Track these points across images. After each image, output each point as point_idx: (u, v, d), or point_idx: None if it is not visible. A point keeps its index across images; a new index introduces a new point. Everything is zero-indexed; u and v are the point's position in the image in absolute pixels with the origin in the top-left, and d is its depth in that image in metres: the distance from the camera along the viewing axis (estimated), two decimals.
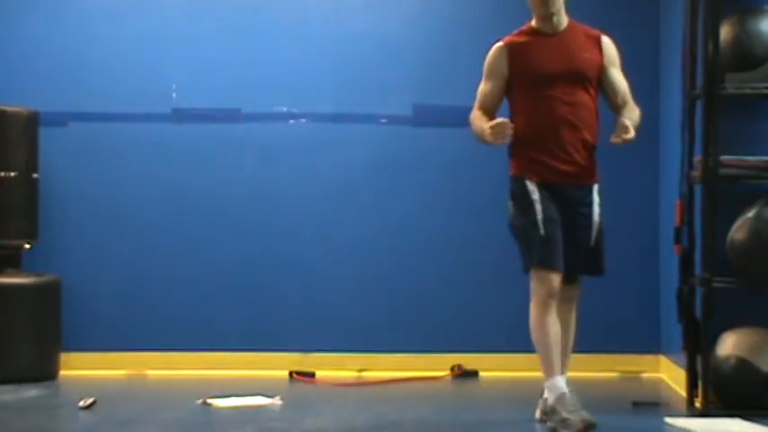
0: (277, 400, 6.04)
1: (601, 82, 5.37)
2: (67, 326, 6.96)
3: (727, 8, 5.74)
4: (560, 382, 5.21)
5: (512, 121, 5.26)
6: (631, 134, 5.15)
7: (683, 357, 5.97)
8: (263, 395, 6.13)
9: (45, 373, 6.74)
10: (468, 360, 7.03)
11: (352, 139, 7.20)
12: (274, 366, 7.03)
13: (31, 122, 6.85)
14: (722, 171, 5.66)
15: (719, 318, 5.66)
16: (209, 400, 6.00)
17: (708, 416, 5.54)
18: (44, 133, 6.95)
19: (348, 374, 7.02)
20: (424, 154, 7.19)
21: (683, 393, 5.96)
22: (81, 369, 7.00)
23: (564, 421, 5.11)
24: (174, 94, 7.20)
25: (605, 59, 5.37)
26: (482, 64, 5.45)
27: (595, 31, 5.42)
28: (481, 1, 7.19)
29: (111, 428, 5.41)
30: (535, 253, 5.22)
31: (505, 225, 5.39)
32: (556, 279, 5.22)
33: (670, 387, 6.61)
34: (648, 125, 6.98)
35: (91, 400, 5.83)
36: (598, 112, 5.36)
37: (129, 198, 7.20)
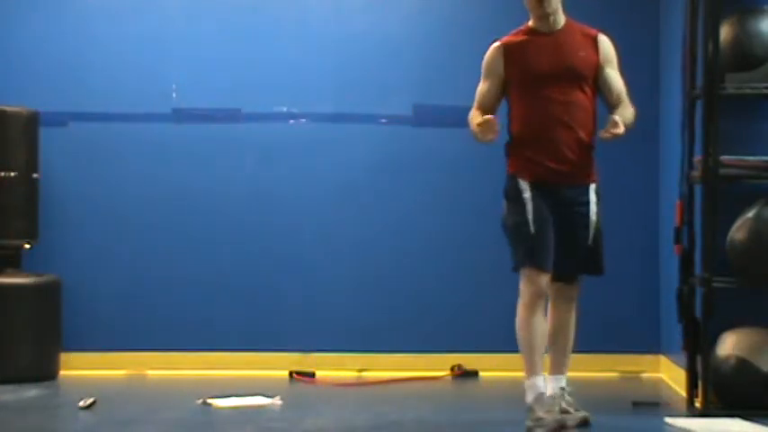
0: (277, 400, 6.04)
1: (597, 81, 5.37)
2: (67, 326, 6.96)
3: (727, 8, 5.74)
4: (540, 382, 5.23)
5: (509, 121, 5.31)
6: (620, 129, 5.15)
7: (683, 357, 5.97)
8: (263, 395, 6.13)
9: (45, 373, 6.74)
10: (468, 360, 7.03)
11: (352, 139, 7.20)
12: (274, 366, 7.03)
13: (31, 122, 6.85)
14: (722, 171, 5.66)
15: (719, 318, 5.66)
16: (209, 400, 6.00)
17: (708, 416, 5.54)
18: (44, 133, 6.95)
19: (348, 374, 7.02)
20: (424, 154, 7.19)
21: (683, 393, 5.96)
22: (81, 369, 7.00)
23: (539, 420, 5.14)
24: (174, 94, 7.21)
25: (601, 58, 5.37)
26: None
27: (593, 30, 5.42)
28: (481, 1, 7.20)
29: (111, 428, 5.41)
30: (524, 252, 5.24)
31: None
32: (544, 279, 5.24)
33: (670, 387, 6.61)
34: (648, 125, 7.01)
35: (91, 400, 5.83)
36: (595, 112, 5.35)
37: (129, 198, 7.20)
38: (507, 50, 5.37)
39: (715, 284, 5.63)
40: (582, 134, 5.29)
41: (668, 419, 5.51)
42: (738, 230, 5.67)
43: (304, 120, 7.23)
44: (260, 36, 7.24)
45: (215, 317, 7.17)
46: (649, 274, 7.11)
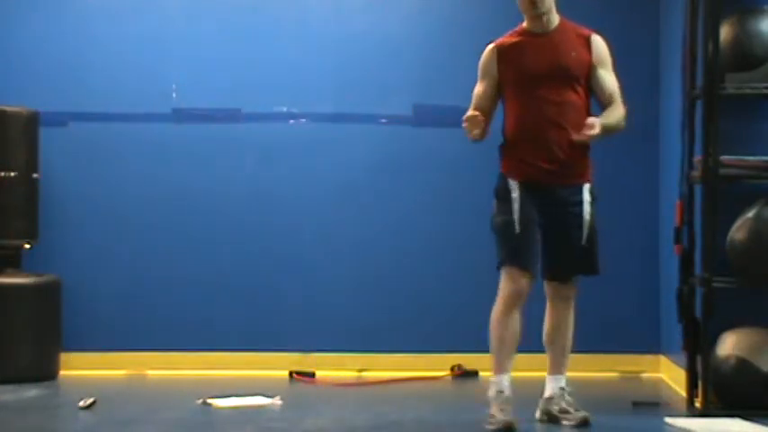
0: (277, 400, 6.04)
1: (589, 81, 5.37)
2: (67, 326, 6.96)
3: (727, 8, 5.74)
4: (504, 381, 5.29)
5: (504, 122, 5.35)
6: (594, 131, 5.16)
7: (683, 357, 5.97)
8: (263, 395, 6.13)
9: (45, 373, 6.74)
10: (468, 360, 7.03)
11: (352, 139, 7.20)
12: (274, 366, 7.03)
13: (31, 122, 6.85)
14: (722, 171, 5.66)
15: (719, 318, 5.66)
16: (209, 400, 6.00)
17: (708, 416, 5.54)
18: (44, 133, 6.95)
19: (348, 374, 7.02)
20: (424, 154, 7.19)
21: (683, 393, 5.96)
22: (81, 369, 7.00)
23: (491, 417, 5.23)
24: (174, 94, 7.21)
25: (594, 58, 5.37)
26: None
27: (586, 30, 5.43)
28: (481, 1, 7.19)
29: (111, 428, 5.41)
30: (508, 251, 5.28)
31: None
32: (525, 279, 5.27)
33: (670, 387, 6.61)
34: (648, 125, 7.02)
35: (91, 400, 5.83)
36: (588, 112, 5.36)
37: (129, 198, 7.20)
38: (501, 52, 5.39)
39: (715, 284, 5.63)
40: (574, 134, 5.30)
41: (668, 419, 5.51)
42: (738, 230, 5.67)
43: (304, 120, 7.23)
44: (260, 36, 7.24)
45: (215, 317, 7.17)
46: (649, 274, 7.11)
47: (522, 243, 5.25)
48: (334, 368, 7.05)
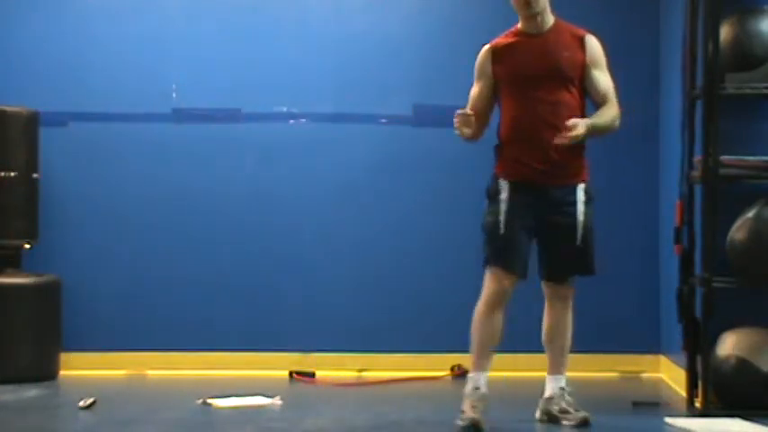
0: (277, 400, 6.04)
1: (583, 81, 5.38)
2: (67, 326, 6.96)
3: (727, 8, 5.74)
4: (481, 379, 5.32)
5: (499, 122, 5.38)
6: (576, 131, 5.15)
7: (683, 357, 5.97)
8: (263, 395, 6.13)
9: (45, 373, 6.74)
10: (468, 360, 7.00)
11: (352, 139, 7.20)
12: (274, 366, 7.03)
13: (31, 122, 6.85)
14: (722, 171, 5.66)
15: (719, 318, 5.66)
16: (209, 400, 6.00)
17: (708, 416, 5.54)
18: (44, 133, 6.94)
19: (348, 374, 7.02)
20: (424, 154, 7.19)
21: (683, 393, 5.96)
22: (81, 369, 7.00)
23: (462, 413, 5.25)
24: (174, 94, 7.20)
25: (588, 59, 5.38)
26: None
27: (581, 31, 5.43)
28: (481, 1, 7.19)
29: (111, 428, 5.41)
30: (492, 251, 5.32)
31: None
32: (508, 280, 5.30)
33: (670, 387, 6.61)
34: (648, 125, 7.02)
35: (91, 400, 5.83)
36: (583, 112, 5.36)
37: (129, 198, 7.20)
38: (495, 52, 5.41)
39: (715, 284, 5.63)
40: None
41: (668, 419, 5.51)
42: (738, 230, 5.67)
43: (304, 120, 7.23)
44: (260, 36, 7.24)
45: (215, 317, 7.17)
46: (649, 274, 7.11)
47: (507, 244, 5.29)
48: (334, 368, 7.05)
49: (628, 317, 7.11)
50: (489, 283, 5.33)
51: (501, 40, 5.44)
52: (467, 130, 5.28)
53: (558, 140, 5.18)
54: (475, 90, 5.46)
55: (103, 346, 7.12)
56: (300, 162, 7.19)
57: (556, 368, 5.45)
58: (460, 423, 5.22)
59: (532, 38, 5.37)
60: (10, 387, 6.43)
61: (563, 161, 5.29)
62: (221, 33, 7.23)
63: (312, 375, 6.95)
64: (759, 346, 5.58)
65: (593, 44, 5.41)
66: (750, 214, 5.65)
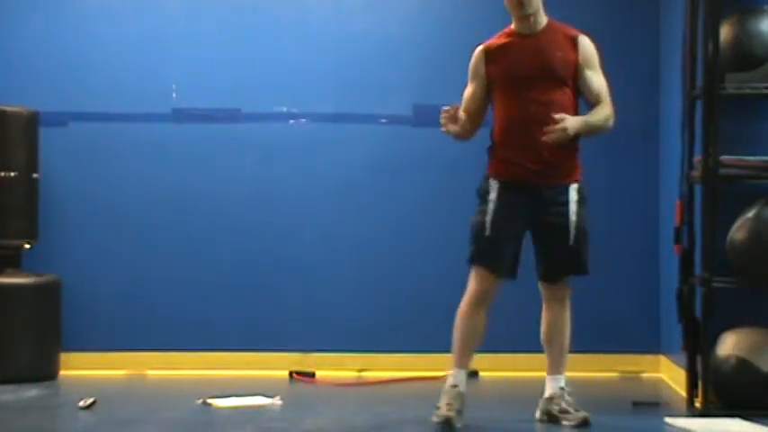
0: (277, 400, 6.04)
1: (576, 81, 5.38)
2: (67, 326, 6.96)
3: (727, 8, 5.74)
4: (460, 376, 5.36)
5: (493, 123, 5.40)
6: (563, 125, 5.15)
7: (683, 357, 5.97)
8: (263, 395, 6.13)
9: (45, 373, 6.74)
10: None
11: (352, 139, 7.20)
12: (274, 366, 7.03)
13: (31, 122, 6.85)
14: (722, 171, 5.66)
15: (719, 318, 5.66)
16: (209, 400, 6.00)
17: (708, 416, 5.54)
18: (44, 133, 6.94)
19: (348, 374, 7.02)
20: (424, 154, 7.19)
21: (683, 393, 5.96)
22: (81, 369, 7.00)
23: (437, 409, 5.29)
24: (174, 94, 7.20)
25: (580, 59, 5.38)
26: None
27: (574, 31, 5.44)
28: (481, 1, 7.19)
29: (111, 428, 5.41)
30: (476, 251, 5.34)
31: None
32: (492, 281, 5.32)
33: (670, 387, 6.61)
34: (648, 125, 7.02)
35: (91, 400, 5.83)
36: (576, 112, 5.36)
37: (129, 198, 7.20)
38: (488, 53, 5.43)
39: (715, 284, 5.63)
40: None
41: (668, 419, 5.51)
42: (738, 230, 5.67)
43: (304, 120, 7.23)
44: (260, 36, 7.24)
45: (215, 317, 7.17)
46: (649, 274, 7.11)
47: (492, 245, 5.30)
48: (334, 368, 7.05)
49: (628, 317, 7.11)
50: (473, 282, 5.36)
51: (494, 40, 5.46)
52: (452, 127, 5.31)
53: (546, 136, 5.17)
54: (468, 91, 5.48)
55: (103, 346, 7.12)
56: (300, 162, 7.19)
57: (555, 368, 5.46)
58: (435, 420, 5.26)
59: (525, 38, 5.38)
60: (10, 387, 6.43)
61: (556, 161, 5.29)
62: (221, 33, 7.23)
63: (312, 375, 6.95)
64: (759, 346, 5.58)
65: (586, 44, 5.41)
66: (750, 214, 5.66)
